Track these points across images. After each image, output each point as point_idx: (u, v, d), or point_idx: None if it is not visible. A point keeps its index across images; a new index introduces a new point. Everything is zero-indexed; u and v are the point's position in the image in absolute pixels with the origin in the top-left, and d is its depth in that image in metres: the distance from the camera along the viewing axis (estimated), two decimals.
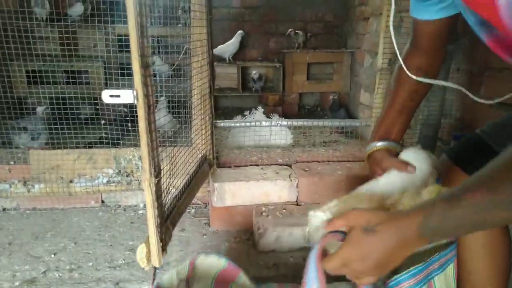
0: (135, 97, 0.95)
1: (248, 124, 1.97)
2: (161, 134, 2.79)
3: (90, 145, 2.22)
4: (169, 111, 2.70)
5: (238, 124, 1.98)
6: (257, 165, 1.92)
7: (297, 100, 4.24)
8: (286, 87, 4.06)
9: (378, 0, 2.99)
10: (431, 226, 0.63)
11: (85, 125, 3.10)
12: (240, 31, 3.95)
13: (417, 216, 0.64)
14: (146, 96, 0.97)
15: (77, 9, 3.57)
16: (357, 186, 0.93)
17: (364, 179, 0.97)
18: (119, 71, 3.07)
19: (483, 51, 1.78)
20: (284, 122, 2.01)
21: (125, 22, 0.97)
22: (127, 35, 0.98)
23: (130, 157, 1.88)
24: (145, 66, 0.96)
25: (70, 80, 3.65)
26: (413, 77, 1.01)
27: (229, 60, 3.99)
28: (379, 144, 1.05)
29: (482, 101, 1.02)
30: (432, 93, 1.96)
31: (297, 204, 1.77)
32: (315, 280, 0.73)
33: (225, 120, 2.01)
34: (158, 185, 1.08)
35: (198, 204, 2.01)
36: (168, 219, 1.20)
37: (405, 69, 1.03)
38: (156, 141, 1.06)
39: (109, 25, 3.32)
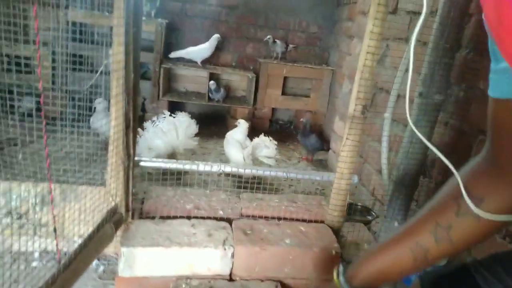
0: None
1: (181, 166, 1.57)
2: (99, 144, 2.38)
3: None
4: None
5: (167, 165, 1.58)
6: (189, 218, 1.53)
7: (270, 114, 3.87)
8: (258, 100, 3.68)
9: (364, 20, 2.63)
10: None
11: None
12: (216, 35, 3.53)
13: None
14: None
15: None
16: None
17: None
18: (69, 63, 2.66)
19: (480, 108, 1.44)
20: (228, 168, 1.62)
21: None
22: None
23: (25, 194, 1.47)
24: None
25: (11, 67, 3.17)
26: (484, 214, 0.63)
27: (200, 64, 3.57)
28: None
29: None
30: (413, 144, 1.62)
31: (230, 279, 1.40)
32: None
33: (153, 159, 1.60)
34: None
35: (111, 257, 1.61)
36: None
37: (468, 202, 0.64)
38: None
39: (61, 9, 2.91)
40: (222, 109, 3.86)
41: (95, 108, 2.69)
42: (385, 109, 1.92)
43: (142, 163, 1.52)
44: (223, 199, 1.71)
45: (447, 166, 0.72)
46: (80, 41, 2.77)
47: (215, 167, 1.57)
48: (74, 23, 3.07)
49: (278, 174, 1.63)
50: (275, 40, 3.64)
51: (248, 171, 1.64)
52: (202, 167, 1.55)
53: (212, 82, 3.44)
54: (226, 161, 2.76)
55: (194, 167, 1.55)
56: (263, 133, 2.61)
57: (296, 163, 3.04)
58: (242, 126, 2.59)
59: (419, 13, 1.95)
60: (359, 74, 1.43)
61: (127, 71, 1.20)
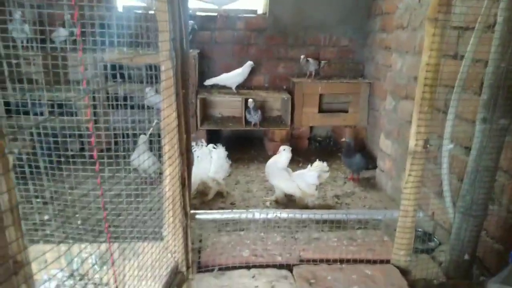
0: None
1: (237, 216, 1.54)
2: (143, 180, 2.40)
3: None
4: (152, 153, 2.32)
5: (224, 217, 1.55)
6: (248, 268, 1.49)
7: (307, 133, 3.79)
8: (295, 119, 3.62)
9: (404, 35, 2.53)
10: None
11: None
12: (250, 62, 3.51)
13: None
14: None
15: (60, 34, 3.20)
16: None
17: None
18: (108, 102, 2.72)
19: None
20: (284, 214, 1.57)
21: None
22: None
23: (86, 255, 1.48)
24: None
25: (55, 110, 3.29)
26: None
27: (235, 90, 3.57)
28: None
29: None
30: (480, 172, 1.50)
31: None
32: None
33: (208, 211, 1.57)
34: None
35: None
36: None
37: None
38: None
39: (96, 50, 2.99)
40: (260, 131, 3.83)
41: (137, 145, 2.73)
42: (437, 129, 1.81)
43: (198, 216, 1.50)
44: (279, 242, 1.65)
45: None
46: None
47: (271, 214, 1.52)
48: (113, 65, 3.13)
49: (337, 216, 1.56)
50: (307, 59, 3.58)
51: (306, 216, 1.58)
52: (257, 215, 1.51)
53: (250, 100, 3.40)
54: (270, 188, 2.72)
55: (250, 215, 1.51)
56: (317, 159, 2.53)
57: (342, 184, 2.95)
58: (286, 153, 2.53)
59: (467, 28, 1.84)
60: (417, 108, 1.34)
61: (180, 132, 1.18)
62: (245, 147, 3.81)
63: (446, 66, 2.04)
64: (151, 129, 1.30)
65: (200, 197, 2.58)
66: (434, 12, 1.33)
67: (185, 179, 1.27)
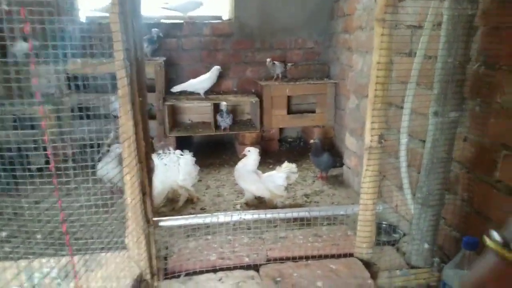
0: None
1: (201, 221, 1.54)
2: (108, 189, 2.36)
3: None
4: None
5: (188, 222, 1.55)
6: (215, 271, 1.49)
7: (277, 135, 3.83)
8: (265, 122, 3.65)
9: (363, 35, 2.61)
10: None
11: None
12: (217, 67, 3.54)
13: None
14: None
15: (22, 47, 3.12)
16: None
17: None
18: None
19: (500, 122, 1.39)
20: (249, 215, 1.58)
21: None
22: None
23: (47, 269, 1.44)
24: None
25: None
26: None
27: (203, 95, 3.57)
28: None
29: None
30: (434, 164, 1.56)
31: None
32: None
33: (172, 217, 1.57)
34: None
35: None
36: None
37: None
38: None
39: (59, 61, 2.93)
40: (230, 135, 3.84)
41: (101, 155, 2.69)
42: (396, 124, 1.88)
43: (162, 223, 1.49)
44: (247, 243, 1.67)
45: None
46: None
47: (236, 216, 1.53)
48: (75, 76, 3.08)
49: (300, 214, 1.58)
50: (274, 62, 3.63)
51: (270, 215, 1.60)
52: (222, 218, 1.52)
53: (224, 103, 3.41)
54: (241, 191, 2.74)
55: (214, 219, 1.51)
56: (286, 161, 2.57)
57: (312, 183, 2.99)
58: (253, 155, 2.54)
59: (419, 27, 1.92)
60: (371, 106, 1.39)
61: (138, 140, 1.18)
62: (216, 152, 3.81)
63: (401, 64, 2.13)
64: (109, 139, 1.29)
65: (170, 205, 2.56)
66: (381, 12, 1.38)
67: (145, 187, 1.26)
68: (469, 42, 1.47)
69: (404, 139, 1.65)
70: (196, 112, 3.82)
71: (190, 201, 2.62)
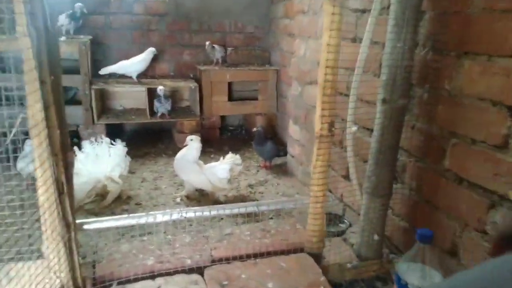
0: None
1: (135, 222, 1.35)
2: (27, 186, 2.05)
3: None
4: None
5: (120, 223, 1.35)
6: (153, 278, 1.32)
7: (219, 123, 3.66)
8: (205, 109, 3.46)
9: (305, 19, 2.52)
10: None
11: None
12: (152, 49, 3.24)
13: None
14: None
15: None
16: None
17: None
18: None
19: (449, 110, 1.37)
20: (191, 213, 1.42)
21: None
22: None
23: None
24: None
25: None
26: None
27: (136, 79, 3.27)
28: None
29: None
30: (382, 153, 1.52)
31: None
32: None
33: (99, 219, 1.36)
34: None
35: None
36: None
37: None
38: None
39: None
40: (168, 123, 3.59)
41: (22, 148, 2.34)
42: (342, 111, 1.82)
43: (86, 226, 1.27)
44: (189, 243, 1.51)
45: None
46: None
47: (175, 215, 1.36)
48: None
49: (248, 209, 1.46)
50: (213, 45, 3.44)
51: (215, 212, 1.45)
52: (160, 217, 1.34)
53: (161, 87, 3.14)
54: (181, 183, 2.55)
55: (151, 219, 1.33)
56: (230, 152, 2.43)
57: (256, 173, 2.89)
58: (195, 143, 2.35)
59: (364, 11, 1.87)
60: (321, 91, 1.29)
61: (50, 127, 0.95)
62: (152, 140, 3.55)
63: (345, 48, 2.08)
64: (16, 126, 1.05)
65: (101, 201, 2.30)
66: None
67: (62, 184, 1.05)
68: (417, 26, 1.43)
69: (353, 128, 1.59)
70: (129, 97, 3.51)
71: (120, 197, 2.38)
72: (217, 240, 1.52)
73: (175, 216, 1.37)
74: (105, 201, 2.20)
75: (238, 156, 2.36)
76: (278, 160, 3.04)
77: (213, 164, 2.36)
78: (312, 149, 1.42)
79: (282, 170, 2.94)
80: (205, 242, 1.52)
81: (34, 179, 2.05)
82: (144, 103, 3.30)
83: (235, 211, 1.46)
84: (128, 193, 2.44)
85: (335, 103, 1.36)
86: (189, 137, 2.37)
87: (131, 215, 1.39)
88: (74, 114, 3.05)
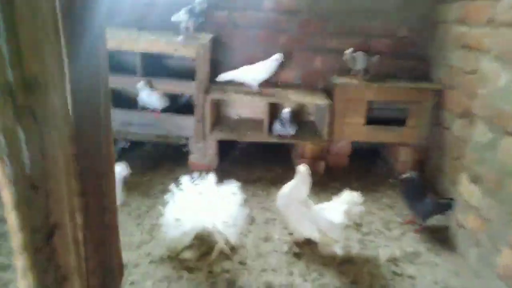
0: None
1: None
2: None
3: None
4: None
5: None
6: None
7: (349, 149, 2.91)
8: (335, 131, 2.78)
9: (508, 34, 1.63)
10: None
11: None
12: (279, 54, 2.66)
13: None
14: None
15: None
16: None
17: None
18: None
19: None
20: None
21: None
22: None
23: None
24: None
25: None
26: None
27: (257, 88, 2.75)
28: None
29: None
30: None
31: None
32: None
33: None
34: None
35: None
36: None
37: None
38: None
39: None
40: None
41: None
42: None
43: None
44: None
45: None
46: None
47: None
48: None
49: None
50: (354, 53, 2.69)
51: None
52: None
53: (286, 110, 2.59)
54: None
55: None
56: (348, 189, 1.83)
57: (400, 236, 2.10)
58: (302, 176, 1.84)
59: None
60: None
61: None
62: (269, 161, 3.01)
63: None
64: None
65: (198, 250, 1.83)
66: None
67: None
68: None
69: None
70: (246, 106, 3.02)
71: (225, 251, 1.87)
72: None
73: None
74: (210, 256, 1.74)
75: (355, 194, 1.79)
76: (432, 220, 2.18)
77: (324, 205, 1.76)
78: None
79: (440, 239, 2.09)
80: None
81: None
82: (262, 112, 2.75)
83: None
84: (232, 242, 1.91)
85: None
86: (300, 166, 1.83)
87: None
88: (185, 125, 2.66)
